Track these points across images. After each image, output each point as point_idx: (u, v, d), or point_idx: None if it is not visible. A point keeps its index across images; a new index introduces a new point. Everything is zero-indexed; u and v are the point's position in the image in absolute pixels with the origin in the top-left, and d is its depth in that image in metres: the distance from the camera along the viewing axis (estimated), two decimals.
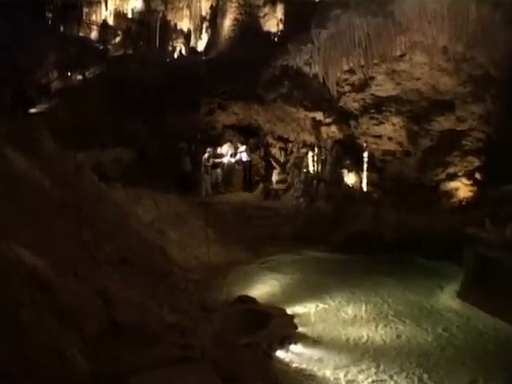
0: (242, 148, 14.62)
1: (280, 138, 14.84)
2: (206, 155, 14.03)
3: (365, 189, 11.82)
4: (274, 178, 14.41)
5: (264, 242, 10.90)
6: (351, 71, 11.52)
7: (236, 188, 14.44)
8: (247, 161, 14.43)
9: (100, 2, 19.51)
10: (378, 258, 9.80)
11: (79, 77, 16.60)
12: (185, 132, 14.68)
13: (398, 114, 11.43)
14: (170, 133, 14.55)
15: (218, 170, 14.33)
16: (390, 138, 11.73)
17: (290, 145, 14.67)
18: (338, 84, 11.73)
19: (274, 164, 14.69)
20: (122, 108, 13.95)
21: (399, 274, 8.98)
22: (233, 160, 14.59)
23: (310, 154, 13.38)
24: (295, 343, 6.60)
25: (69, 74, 16.80)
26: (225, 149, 14.76)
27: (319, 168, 13.04)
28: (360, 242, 10.26)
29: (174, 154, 14.01)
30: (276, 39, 15.43)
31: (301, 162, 13.80)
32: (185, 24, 18.89)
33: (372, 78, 11.32)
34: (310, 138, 13.61)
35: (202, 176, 13.74)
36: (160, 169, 13.18)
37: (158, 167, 13.27)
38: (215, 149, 14.58)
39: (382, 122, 11.65)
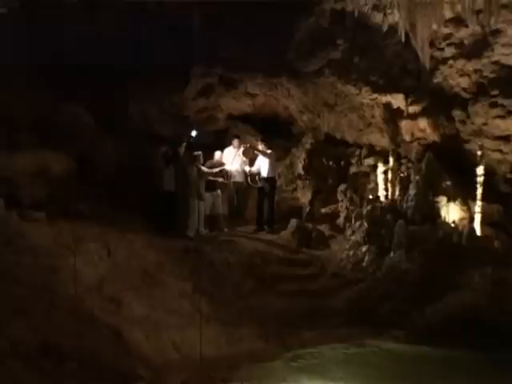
0: (261, 155, 14.47)
1: (329, 140, 14.83)
2: (197, 167, 13.88)
3: (478, 231, 11.60)
4: (317, 208, 14.31)
5: (297, 323, 10.70)
6: (457, 21, 11.42)
7: (249, 224, 14.46)
8: (269, 177, 14.31)
9: None
10: (503, 358, 9.48)
11: None
12: (161, 126, 14.69)
13: None
14: (134, 127, 14.57)
15: (218, 193, 14.23)
16: None
17: (347, 151, 14.59)
18: (432, 44, 11.64)
19: (316, 184, 14.60)
20: (50, 81, 14.00)
21: None
22: (243, 175, 14.52)
23: (381, 167, 13.30)
24: None
25: None
26: (229, 155, 14.69)
27: (396, 193, 12.91)
28: (469, 326, 9.97)
29: (143, 164, 14.00)
30: None
31: (364, 181, 13.71)
32: None
33: (496, 33, 11.18)
34: (382, 141, 13.53)
35: (190, 203, 13.63)
36: (117, 189, 13.14)
37: (113, 186, 13.24)
38: (212, 155, 14.49)
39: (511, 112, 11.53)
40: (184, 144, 14.11)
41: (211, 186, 14.05)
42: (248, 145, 14.47)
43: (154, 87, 14.70)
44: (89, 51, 14.86)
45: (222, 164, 14.37)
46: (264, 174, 14.17)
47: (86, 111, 14.51)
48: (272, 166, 14.19)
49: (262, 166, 14.20)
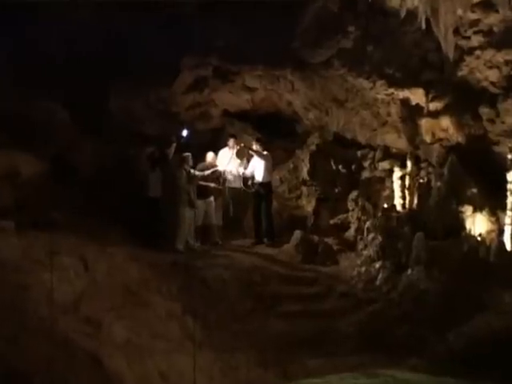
0: (256, 157, 14.35)
1: (338, 140, 14.79)
2: (186, 170, 13.77)
3: (508, 245, 11.59)
4: (324, 218, 14.27)
5: (300, 348, 10.65)
6: (486, 5, 11.42)
7: (247, 236, 14.45)
8: (264, 182, 14.24)
9: None
10: None
11: None
12: (147, 123, 14.66)
13: None
14: (117, 125, 14.53)
15: (211, 200, 14.18)
16: None
17: (358, 154, 14.57)
18: (457, 32, 11.64)
19: (323, 191, 14.56)
20: (22, 74, 14.00)
21: None
22: (240, 180, 14.47)
23: (398, 173, 13.30)
24: None
25: None
26: (224, 157, 14.64)
27: (415, 201, 12.89)
28: (497, 353, 9.90)
29: (126, 167, 13.95)
30: None
31: (378, 188, 13.71)
32: None
33: None
34: (398, 142, 13.52)
35: (179, 211, 13.58)
36: (96, 195, 13.11)
37: (92, 191, 13.21)
38: (203, 157, 14.42)
39: None
40: (173, 144, 14.04)
41: (203, 193, 13.98)
42: (242, 145, 14.38)
43: (139, 80, 14.67)
44: (66, 41, 14.84)
45: (214, 166, 14.28)
46: (258, 178, 14.11)
47: (63, 107, 14.46)
48: (267, 170, 14.12)
49: (257, 168, 14.14)
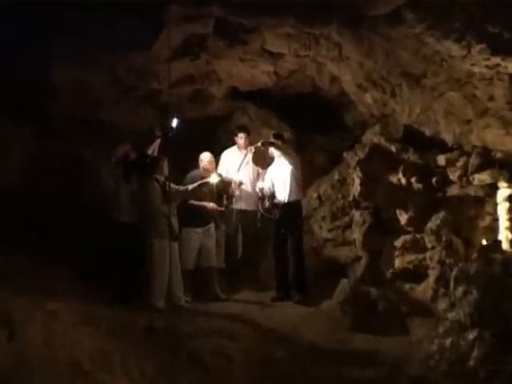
0: (281, 159, 14.31)
1: (410, 138, 14.67)
2: (160, 181, 13.54)
3: None
4: (387, 260, 14.18)
5: None
6: None
7: (266, 287, 14.57)
8: (294, 201, 14.30)
9: None
10: None
11: None
12: (112, 108, 14.69)
13: None
14: (64, 110, 14.53)
15: (208, 228, 14.10)
16: None
17: (442, 160, 14.44)
18: None
19: (385, 217, 14.47)
20: None
21: None
22: (254, 198, 14.56)
23: (505, 190, 13.20)
24: None
25: None
26: (229, 162, 14.67)
27: None
28: None
29: (80, 175, 13.93)
30: None
31: (473, 213, 13.62)
32: None
33: None
34: (506, 142, 13.38)
35: (153, 246, 13.41)
36: (30, 219, 13.10)
37: (22, 213, 13.21)
38: (196, 162, 14.33)
39: None
40: (156, 141, 13.89)
41: (198, 218, 13.90)
42: (259, 144, 14.20)
43: (99, 40, 14.57)
44: None
45: (209, 174, 14.13)
46: (282, 195, 14.21)
47: None
48: (297, 182, 14.22)
49: (279, 180, 14.23)
